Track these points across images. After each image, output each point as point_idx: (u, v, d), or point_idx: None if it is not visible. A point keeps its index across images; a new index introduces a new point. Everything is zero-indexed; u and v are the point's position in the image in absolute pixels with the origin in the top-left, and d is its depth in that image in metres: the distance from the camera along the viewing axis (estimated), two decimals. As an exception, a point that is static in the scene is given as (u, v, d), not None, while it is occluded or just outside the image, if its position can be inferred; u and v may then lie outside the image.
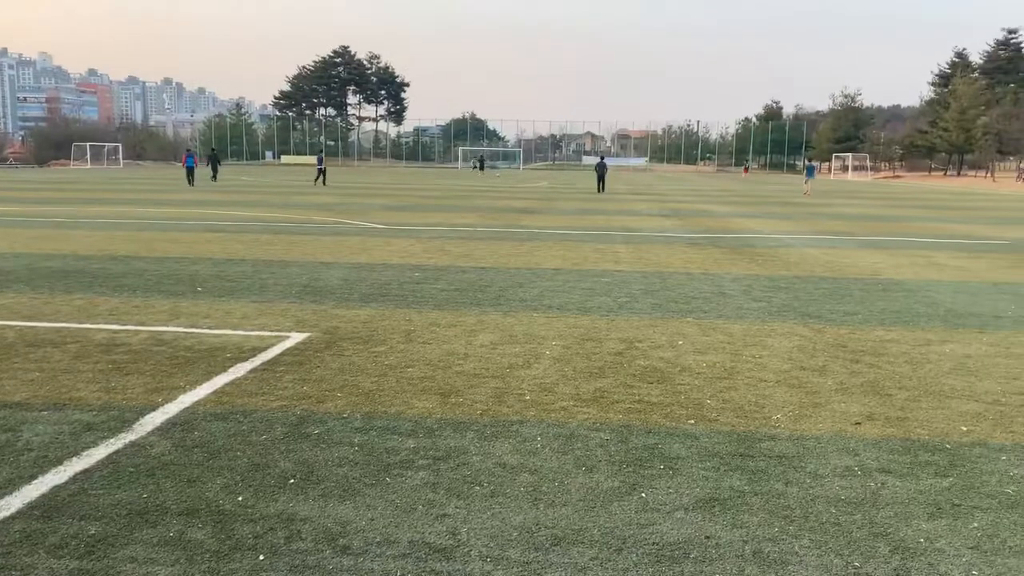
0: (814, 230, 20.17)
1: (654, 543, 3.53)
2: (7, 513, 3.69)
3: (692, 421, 5.17)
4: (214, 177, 47.17)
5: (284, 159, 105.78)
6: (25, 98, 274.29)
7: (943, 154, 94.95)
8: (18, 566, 3.23)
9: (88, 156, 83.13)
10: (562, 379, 6.09)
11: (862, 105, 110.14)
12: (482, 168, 74.82)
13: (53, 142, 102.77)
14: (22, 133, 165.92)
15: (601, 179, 41.38)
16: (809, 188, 43.16)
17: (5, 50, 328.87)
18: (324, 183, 43.27)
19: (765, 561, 3.39)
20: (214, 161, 50.71)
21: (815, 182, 48.41)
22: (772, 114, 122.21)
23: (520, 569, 3.29)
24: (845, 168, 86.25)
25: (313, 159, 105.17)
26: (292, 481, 4.11)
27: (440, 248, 14.61)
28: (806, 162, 60.11)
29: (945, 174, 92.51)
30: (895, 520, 3.80)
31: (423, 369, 6.30)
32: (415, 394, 5.65)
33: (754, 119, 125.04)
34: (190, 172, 42.71)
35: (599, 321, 8.27)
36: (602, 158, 48.40)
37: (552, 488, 4.09)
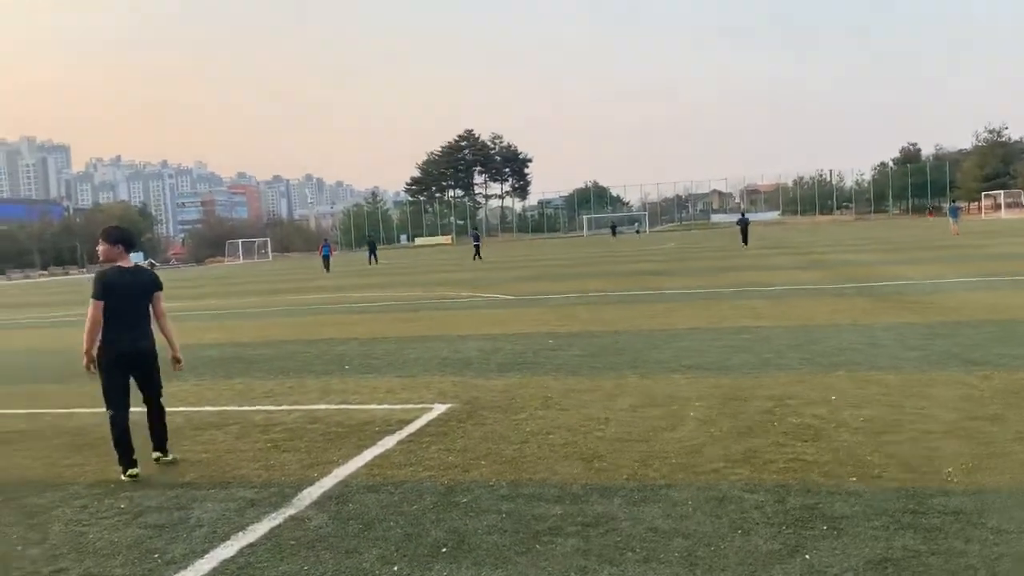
0: (970, 272, 18.91)
1: (824, 608, 3.31)
2: (183, 586, 3.89)
3: (854, 479, 4.87)
4: (375, 260, 50.95)
5: (418, 241, 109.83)
6: (183, 203, 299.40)
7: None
8: (195, 636, 3.39)
9: (240, 252, 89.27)
10: (709, 440, 5.90)
11: (1009, 139, 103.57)
12: (615, 234, 75.37)
13: (209, 241, 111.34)
14: (182, 235, 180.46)
15: (744, 233, 42.78)
16: (957, 228, 41.05)
17: (165, 162, 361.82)
18: (480, 258, 45.28)
19: (952, 627, 3.11)
20: (372, 245, 55.14)
21: (962, 223, 45.96)
22: (910, 157, 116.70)
23: (681, 637, 3.15)
24: (997, 207, 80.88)
25: (444, 239, 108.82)
26: (444, 550, 4.15)
27: (571, 315, 14.64)
28: (950, 203, 57.41)
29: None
30: (1101, 580, 3.41)
31: (564, 435, 6.27)
32: (558, 460, 5.62)
33: (891, 163, 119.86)
34: (326, 260, 46.33)
35: (743, 379, 8.00)
36: (743, 214, 53.09)
37: (708, 552, 3.93)
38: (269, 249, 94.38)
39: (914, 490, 4.60)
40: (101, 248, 6.16)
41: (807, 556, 3.81)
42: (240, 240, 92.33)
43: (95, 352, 5.87)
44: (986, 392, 6.84)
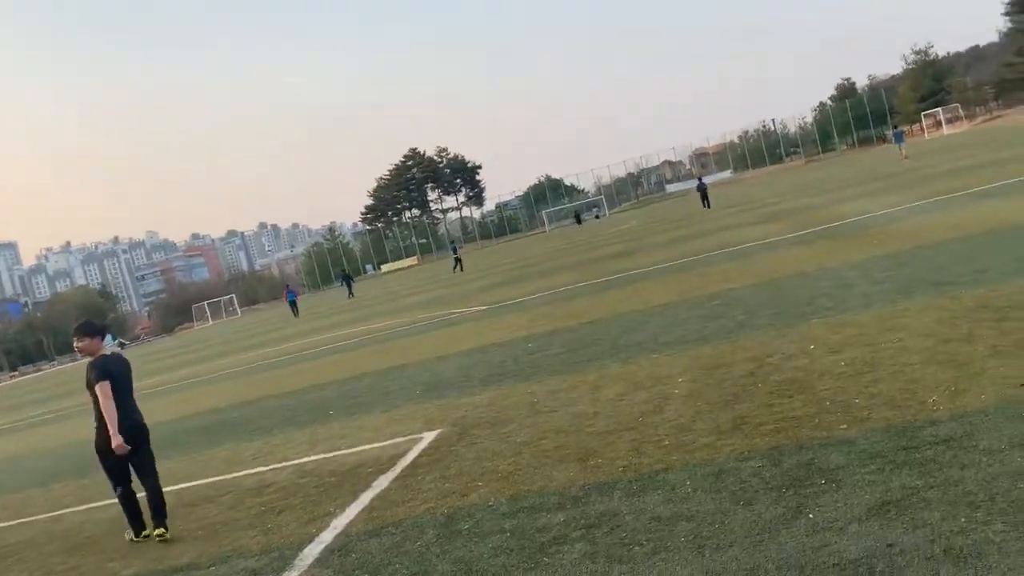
0: (923, 195, 19.16)
1: (834, 564, 3.30)
2: (196, 674, 3.79)
3: (844, 426, 4.89)
4: (352, 294, 50.34)
5: (384, 267, 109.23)
6: (142, 276, 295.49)
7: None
8: None
9: (208, 314, 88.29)
10: (698, 415, 5.90)
11: (938, 56, 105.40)
12: (579, 221, 75.82)
13: (175, 309, 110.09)
14: (147, 309, 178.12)
15: (704, 196, 44.30)
16: (904, 152, 42.13)
17: (116, 238, 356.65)
18: (462, 269, 45.50)
19: (959, 557, 3.12)
20: (348, 280, 54.43)
21: (908, 146, 47.08)
22: (846, 92, 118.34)
23: (700, 624, 3.13)
24: (938, 124, 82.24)
25: (411, 260, 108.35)
26: (453, 582, 4.09)
27: (545, 313, 14.62)
28: (893, 129, 58.55)
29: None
30: (1096, 481, 3.44)
31: (556, 438, 6.23)
32: (553, 465, 5.58)
33: (829, 101, 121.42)
34: (292, 305, 45.98)
35: (722, 346, 8.02)
36: (700, 179, 53.26)
37: (713, 531, 3.91)
38: (236, 305, 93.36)
39: (903, 426, 4.63)
40: (83, 344, 6.44)
41: (810, 515, 3.81)
42: (206, 302, 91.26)
43: (100, 438, 6.22)
44: (957, 312, 6.92)
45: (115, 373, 6.25)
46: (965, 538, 3.25)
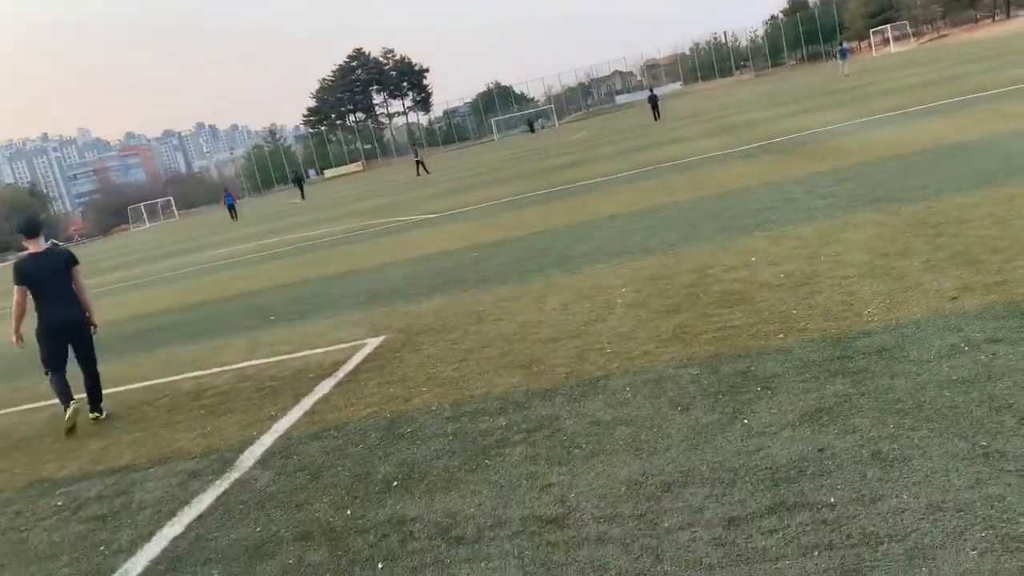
0: (867, 112, 19.33)
1: (767, 468, 3.41)
2: (135, 573, 3.79)
3: (781, 336, 4.99)
4: (303, 196, 50.22)
5: (327, 173, 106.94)
6: (75, 175, 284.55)
7: None
8: (155, 621, 3.32)
9: (144, 216, 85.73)
10: (639, 324, 5.97)
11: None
12: (532, 129, 75.19)
13: (110, 210, 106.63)
14: (80, 209, 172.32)
15: (655, 108, 44.69)
16: (847, 68, 42.81)
17: (46, 135, 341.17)
18: (427, 172, 45.19)
19: (886, 461, 3.24)
20: (300, 182, 54.71)
21: (852, 63, 47.69)
22: (798, 5, 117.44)
23: (636, 522, 3.22)
24: (886, 42, 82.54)
25: (355, 166, 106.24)
26: (395, 484, 4.13)
27: (493, 223, 14.53)
28: (839, 46, 58.95)
29: (993, 20, 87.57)
30: (1016, 389, 3.59)
31: (500, 346, 6.26)
32: (497, 372, 5.62)
33: (780, 15, 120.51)
34: (231, 209, 47.09)
35: (665, 257, 8.09)
36: (651, 90, 53.02)
37: (652, 435, 4.00)
38: (174, 208, 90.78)
39: (838, 337, 4.75)
40: (21, 243, 6.96)
41: (745, 420, 3.91)
42: (142, 203, 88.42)
43: (23, 330, 6.72)
44: (895, 227, 7.06)
45: (35, 273, 6.62)
46: (892, 443, 3.37)
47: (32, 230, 6.71)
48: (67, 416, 6.53)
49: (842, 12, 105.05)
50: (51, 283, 6.64)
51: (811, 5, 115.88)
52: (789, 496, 3.15)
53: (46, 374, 6.71)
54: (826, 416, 3.76)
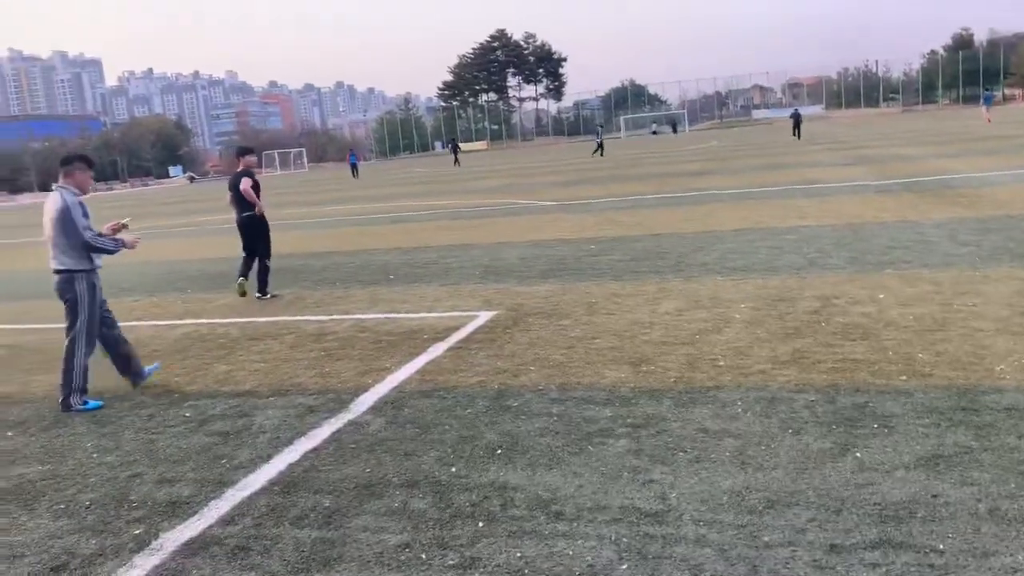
0: (1021, 164, 18.27)
1: (875, 503, 3.38)
2: (254, 489, 4.09)
3: (904, 377, 4.88)
4: (458, 163, 53.66)
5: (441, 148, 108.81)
6: (218, 115, 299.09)
7: None
8: (268, 536, 3.58)
9: (277, 163, 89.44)
10: (756, 342, 5.92)
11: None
12: (675, 131, 76.47)
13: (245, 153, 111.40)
14: (219, 148, 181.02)
15: (797, 126, 45.72)
16: (989, 116, 42.18)
17: (197, 73, 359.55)
18: (602, 154, 45.74)
19: (1004, 519, 3.16)
20: (455, 148, 59.04)
21: (996, 110, 46.70)
22: (963, 43, 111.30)
23: (736, 532, 3.26)
24: (1055, 93, 77.25)
25: (480, 144, 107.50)
26: (499, 452, 4.28)
27: (611, 219, 14.55)
28: (984, 91, 56.83)
29: None
30: None
31: (610, 340, 6.34)
32: (605, 364, 5.70)
33: (942, 51, 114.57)
34: (354, 167, 53.16)
35: (789, 280, 7.95)
36: (796, 109, 55.27)
37: (759, 452, 4.01)
38: (305, 160, 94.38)
39: (965, 388, 4.60)
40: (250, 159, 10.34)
41: (858, 454, 3.87)
42: (276, 151, 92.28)
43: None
44: (1040, 288, 6.72)
45: (229, 183, 10.20)
46: (1012, 502, 3.28)
47: (242, 152, 10.43)
48: (238, 284, 9.55)
49: (1010, 55, 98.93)
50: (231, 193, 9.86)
51: (976, 44, 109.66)
52: (896, 535, 3.12)
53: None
54: (944, 464, 3.68)
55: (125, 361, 6.09)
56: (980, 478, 3.52)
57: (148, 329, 8.34)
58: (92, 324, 5.81)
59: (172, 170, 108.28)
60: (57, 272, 5.74)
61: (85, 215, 5.69)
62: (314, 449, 4.55)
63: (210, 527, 3.71)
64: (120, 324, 6.22)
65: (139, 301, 10.24)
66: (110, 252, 5.81)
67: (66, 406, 5.72)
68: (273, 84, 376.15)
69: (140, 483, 4.31)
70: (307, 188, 42.21)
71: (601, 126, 65.00)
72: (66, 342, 5.78)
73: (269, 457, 4.50)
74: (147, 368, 6.24)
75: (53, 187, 5.84)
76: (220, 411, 5.44)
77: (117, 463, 4.65)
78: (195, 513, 3.87)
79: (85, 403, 5.75)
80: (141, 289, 11.16)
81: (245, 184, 9.62)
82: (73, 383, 5.73)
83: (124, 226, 6.13)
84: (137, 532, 3.73)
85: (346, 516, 3.69)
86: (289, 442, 4.70)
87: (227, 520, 3.77)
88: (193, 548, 3.53)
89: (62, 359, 5.77)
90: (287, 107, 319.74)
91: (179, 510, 3.92)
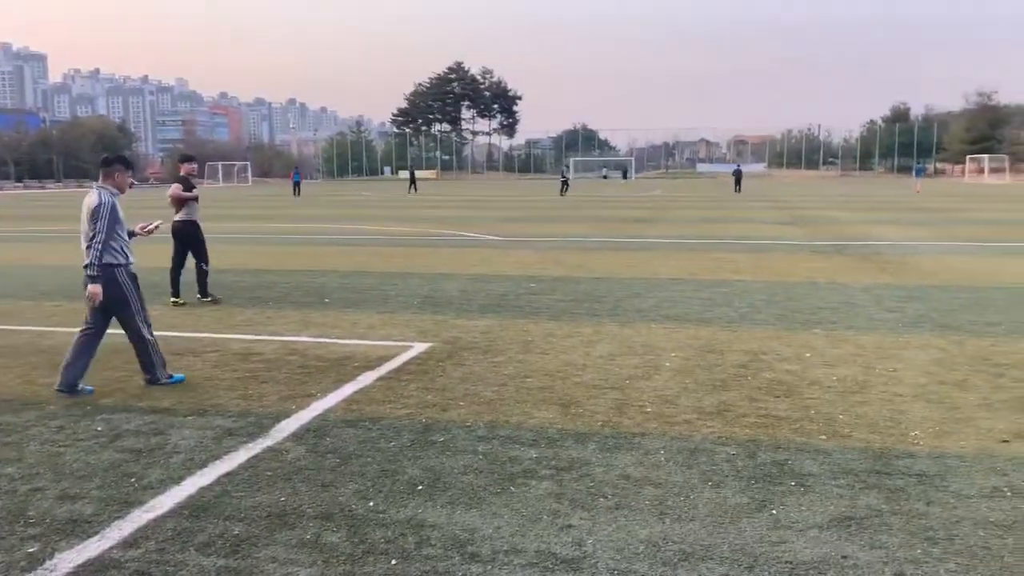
0: (949, 236, 19.09)
1: (787, 561, 3.41)
2: (160, 512, 3.93)
3: (824, 437, 4.98)
4: (414, 190, 54.66)
5: (402, 174, 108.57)
6: (164, 121, 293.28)
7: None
8: (171, 562, 3.44)
9: (220, 175, 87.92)
10: (684, 391, 5.99)
11: (999, 103, 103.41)
12: (625, 176, 79.30)
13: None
14: (162, 155, 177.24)
15: (738, 181, 50.01)
16: (920, 186, 45.63)
17: (146, 77, 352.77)
18: (565, 193, 46.25)
19: (908, 585, 3.23)
20: (412, 176, 60.22)
21: (925, 182, 50.45)
22: (900, 116, 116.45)
23: (648, 583, 3.25)
24: (981, 170, 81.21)
25: (430, 173, 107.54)
26: (420, 487, 4.21)
27: (555, 259, 14.66)
28: (916, 164, 62.02)
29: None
30: (1053, 547, 3.54)
31: (542, 379, 6.33)
32: (535, 404, 5.68)
33: (880, 121, 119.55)
34: (296, 186, 52.84)
35: (720, 332, 8.09)
36: (738, 166, 60.68)
37: (678, 503, 4.03)
38: (249, 173, 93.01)
39: (881, 451, 4.72)
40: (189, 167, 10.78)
41: (774, 511, 3.92)
42: (220, 163, 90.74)
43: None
44: (957, 357, 6.97)
45: None
46: (917, 568, 3.35)
47: (184, 159, 11.14)
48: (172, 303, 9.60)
49: (943, 131, 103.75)
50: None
51: (912, 118, 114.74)
52: (805, 594, 3.16)
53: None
54: (855, 526, 3.75)
55: (80, 368, 6.11)
56: (888, 541, 3.59)
57: (65, 336, 8.00)
58: (143, 305, 6.20)
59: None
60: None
61: (116, 219, 6.00)
62: (228, 474, 4.41)
63: (110, 549, 3.55)
64: (37, 329, 5.98)
65: (60, 306, 9.88)
66: (96, 267, 5.92)
67: (153, 381, 6.19)
68: (223, 95, 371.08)
69: (40, 498, 4.12)
70: (248, 203, 41.56)
71: (567, 167, 66.79)
72: (128, 333, 6.19)
73: (181, 479, 4.34)
74: (86, 386, 6.12)
75: (94, 186, 6.17)
76: (134, 427, 5.24)
77: (18, 475, 4.43)
78: (96, 533, 3.70)
79: (171, 376, 6.27)
80: (61, 293, 10.77)
81: (174, 189, 10.05)
82: (154, 360, 6.19)
83: (157, 227, 6.75)
84: (32, 550, 3.54)
85: (255, 545, 3.58)
86: (203, 464, 4.55)
87: (129, 543, 3.61)
88: (90, 570, 3.37)
89: (133, 348, 6.20)
90: (236, 119, 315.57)
91: (79, 529, 3.75)
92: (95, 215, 5.91)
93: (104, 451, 4.80)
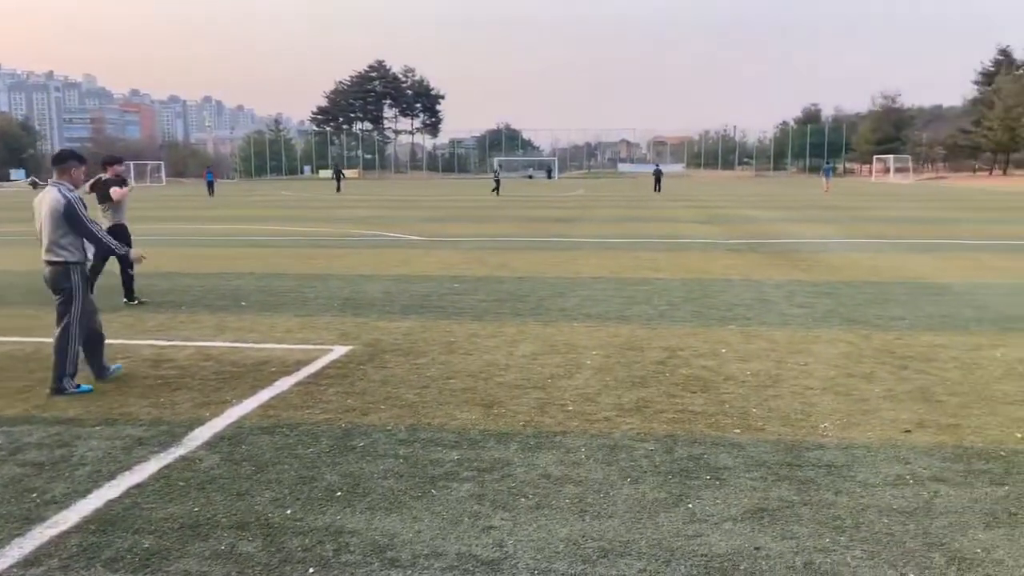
0: (857, 234, 19.87)
1: (703, 555, 3.49)
2: (64, 527, 3.77)
3: (738, 430, 5.11)
4: (339, 189, 54.73)
5: (322, 173, 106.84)
6: (71, 119, 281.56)
7: (988, 154, 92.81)
8: (76, 579, 3.30)
9: (132, 174, 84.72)
10: (604, 389, 6.06)
11: (903, 106, 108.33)
12: (550, 176, 79.33)
13: (98, 161, 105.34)
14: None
15: (658, 181, 50.69)
16: (829, 185, 50.10)
17: (51, 73, 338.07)
18: (498, 195, 45.44)
19: (816, 572, 3.34)
20: (338, 176, 60.07)
21: (835, 182, 53.84)
22: (811, 117, 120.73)
23: (568, 581, 3.27)
24: (887, 170, 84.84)
25: (352, 172, 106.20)
26: (339, 494, 4.15)
27: (478, 259, 14.66)
28: (825, 164, 65.25)
29: (990, 174, 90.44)
30: (950, 530, 3.72)
31: (465, 380, 6.32)
32: (457, 406, 5.67)
33: (792, 123, 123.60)
34: (210, 185, 51.43)
35: (640, 330, 8.22)
36: (657, 165, 62.40)
37: (598, 500, 4.07)
38: (163, 173, 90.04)
39: (792, 444, 4.87)
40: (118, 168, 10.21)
41: (690, 505, 4.00)
42: (132, 162, 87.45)
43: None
44: (864, 351, 7.26)
45: None
46: (826, 556, 3.47)
47: (111, 161, 10.43)
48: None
49: (851, 132, 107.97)
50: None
51: (823, 120, 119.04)
52: (719, 586, 3.23)
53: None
54: (768, 517, 3.86)
55: (98, 357, 6.36)
56: (799, 532, 3.71)
57: (-36, 345, 7.62)
58: (85, 313, 6.12)
59: (14, 173, 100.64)
60: (52, 264, 6.03)
61: (85, 208, 6.04)
62: (138, 485, 4.26)
63: (9, 568, 3.39)
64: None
65: (-43, 313, 9.37)
66: (114, 252, 6.53)
67: (59, 390, 5.94)
68: (135, 92, 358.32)
69: (-68, 518, 3.89)
70: (161, 203, 40.25)
71: (500, 167, 67.20)
72: (58, 331, 6.05)
73: (87, 492, 4.17)
74: (112, 365, 6.46)
75: (48, 183, 6.15)
76: (37, 439, 5.01)
77: (-93, 494, 4.18)
78: (-7, 553, 3.52)
79: (78, 386, 6.02)
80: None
81: (120, 191, 10.11)
82: (67, 368, 6.00)
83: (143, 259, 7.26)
84: (-79, 574, 3.35)
85: (166, 559, 3.46)
86: (111, 476, 4.38)
87: (30, 560, 3.45)
88: (-14, 593, 3.20)
89: (54, 348, 6.02)
90: (148, 117, 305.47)
91: (-25, 549, 3.56)
92: (71, 216, 5.93)
93: (4, 465, 4.57)
